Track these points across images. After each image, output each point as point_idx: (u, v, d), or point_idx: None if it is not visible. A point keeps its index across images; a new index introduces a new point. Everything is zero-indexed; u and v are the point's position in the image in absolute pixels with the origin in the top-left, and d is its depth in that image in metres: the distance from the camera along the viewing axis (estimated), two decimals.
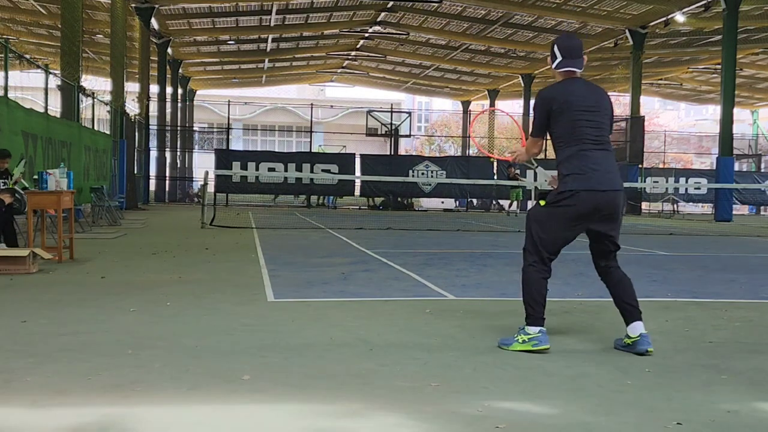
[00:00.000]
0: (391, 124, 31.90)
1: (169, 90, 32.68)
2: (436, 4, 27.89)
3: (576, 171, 4.21)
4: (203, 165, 24.17)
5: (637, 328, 4.27)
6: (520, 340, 4.22)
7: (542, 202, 4.35)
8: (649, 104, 54.66)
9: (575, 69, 4.33)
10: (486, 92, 43.50)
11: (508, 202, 26.00)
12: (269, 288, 6.52)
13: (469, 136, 46.12)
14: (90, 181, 16.80)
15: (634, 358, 4.16)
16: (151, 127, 27.84)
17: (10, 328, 4.59)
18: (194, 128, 42.31)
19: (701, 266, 9.26)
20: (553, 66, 4.36)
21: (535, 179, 26.45)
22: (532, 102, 40.74)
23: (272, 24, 31.15)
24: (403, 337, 4.57)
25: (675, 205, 29.59)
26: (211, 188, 23.54)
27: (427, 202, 30.42)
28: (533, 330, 4.21)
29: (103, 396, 3.23)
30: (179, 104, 35.71)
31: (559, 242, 4.32)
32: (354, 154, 28.40)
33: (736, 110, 24.76)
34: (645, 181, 28.68)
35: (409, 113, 36.14)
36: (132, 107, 25.48)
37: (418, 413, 3.08)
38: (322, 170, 27.15)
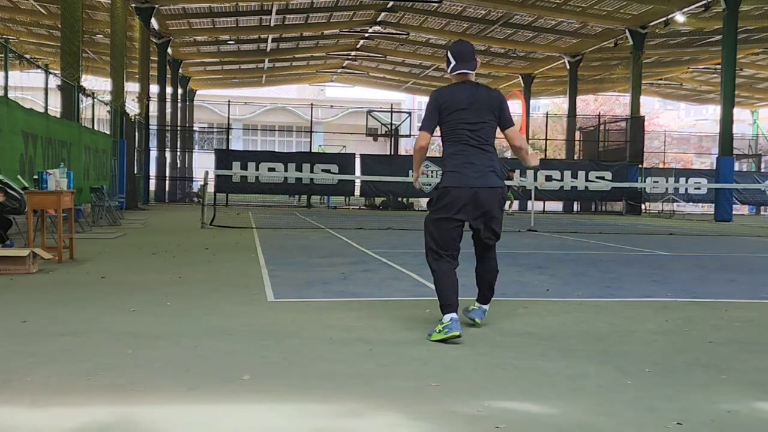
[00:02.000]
0: (391, 124, 31.90)
1: (169, 90, 32.69)
2: (436, 4, 27.90)
3: (451, 169, 4.65)
4: (203, 165, 24.17)
5: (479, 306, 4.98)
6: (437, 330, 4.42)
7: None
8: (649, 104, 54.65)
9: (467, 71, 4.70)
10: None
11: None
12: (269, 288, 6.52)
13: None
14: (90, 181, 16.81)
15: (634, 358, 4.16)
16: (151, 127, 27.84)
17: (10, 328, 4.59)
18: (194, 128, 42.32)
19: (701, 266, 9.26)
20: (449, 70, 4.73)
21: (535, 179, 26.53)
22: (532, 102, 40.80)
23: (272, 24, 31.16)
24: (403, 337, 4.57)
25: (674, 205, 29.59)
26: (211, 188, 23.54)
27: (427, 202, 30.39)
28: (446, 318, 4.44)
29: (103, 396, 3.22)
30: (179, 104, 35.72)
31: (448, 237, 4.73)
32: (354, 154, 28.39)
33: (736, 110, 24.77)
34: (645, 181, 28.69)
35: (409, 113, 36.14)
36: (132, 107, 25.48)
37: (418, 413, 3.08)
38: (322, 170, 27.15)
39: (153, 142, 29.22)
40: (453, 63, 4.70)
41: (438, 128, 4.74)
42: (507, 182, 23.80)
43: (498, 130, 4.74)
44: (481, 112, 4.62)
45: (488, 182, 4.62)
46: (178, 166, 34.30)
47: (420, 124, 4.77)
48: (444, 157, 4.74)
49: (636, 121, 29.20)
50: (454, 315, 4.44)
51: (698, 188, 31.05)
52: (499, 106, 4.70)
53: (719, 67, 25.62)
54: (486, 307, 5.01)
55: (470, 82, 4.72)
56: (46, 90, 14.71)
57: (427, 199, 29.57)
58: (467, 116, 4.60)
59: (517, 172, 28.34)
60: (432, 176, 28.06)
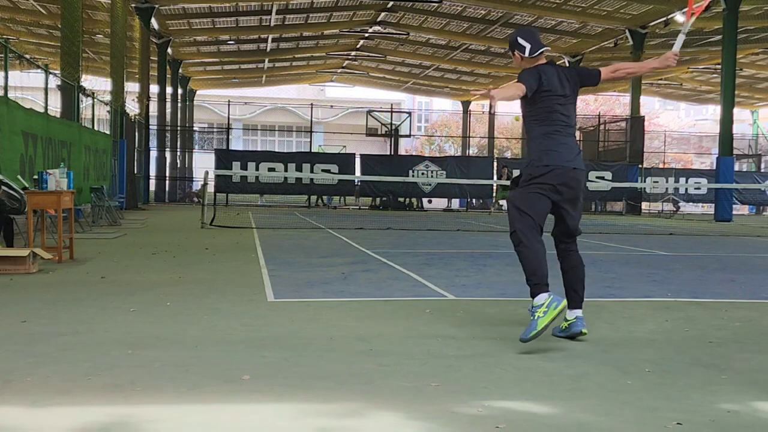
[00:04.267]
0: (391, 124, 31.91)
1: (169, 90, 32.68)
2: (436, 4, 27.89)
3: (548, 148, 4.52)
4: (203, 165, 24.17)
5: (573, 313, 4.53)
6: (539, 315, 4.14)
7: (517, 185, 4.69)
8: (649, 104, 54.63)
9: (546, 51, 4.60)
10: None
11: (501, 202, 26.38)
12: (269, 288, 6.52)
13: (469, 136, 46.20)
14: (90, 181, 16.80)
15: (634, 358, 4.16)
16: (151, 127, 27.83)
17: (10, 328, 4.59)
18: (194, 128, 42.31)
19: (701, 266, 9.26)
20: (527, 55, 4.55)
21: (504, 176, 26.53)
22: None
23: (272, 24, 31.16)
24: (403, 337, 4.57)
25: (675, 205, 29.58)
26: (211, 188, 23.54)
27: (427, 202, 30.42)
28: (543, 298, 4.20)
29: (103, 396, 3.23)
30: (179, 104, 35.72)
31: (539, 213, 4.51)
32: (354, 154, 28.39)
33: (736, 110, 24.77)
34: (645, 181, 28.69)
35: (409, 113, 36.14)
36: (132, 107, 25.48)
37: (418, 413, 3.08)
38: (322, 170, 27.16)
39: (153, 142, 29.22)
40: (529, 46, 4.55)
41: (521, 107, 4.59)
42: (505, 182, 24.04)
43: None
44: (569, 93, 4.55)
45: (581, 164, 4.56)
46: (178, 166, 34.29)
47: (520, 81, 4.46)
48: (532, 138, 4.56)
49: (636, 121, 29.20)
50: (549, 292, 4.23)
51: (698, 188, 31.04)
52: (576, 75, 4.63)
53: (719, 67, 25.62)
54: (581, 313, 4.57)
55: (551, 62, 4.62)
56: (46, 90, 14.71)
57: (426, 199, 29.60)
58: (562, 100, 4.51)
59: (516, 172, 28.38)
60: (432, 176, 28.12)
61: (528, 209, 4.45)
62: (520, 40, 4.56)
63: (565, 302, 4.24)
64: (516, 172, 24.94)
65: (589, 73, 4.70)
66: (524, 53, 4.55)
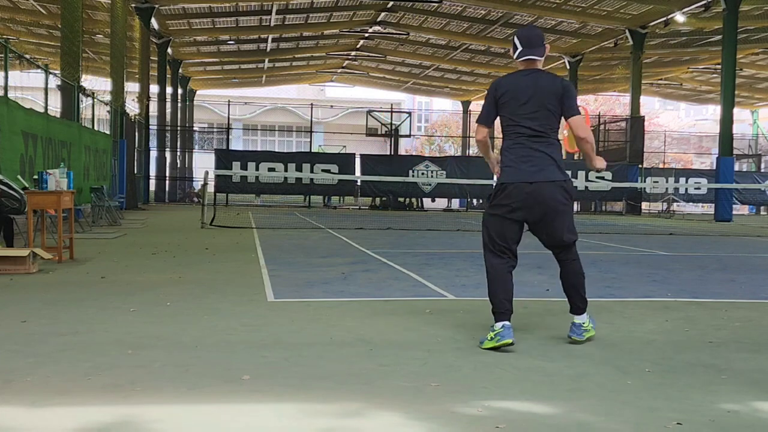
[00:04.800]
0: (391, 124, 31.90)
1: (169, 90, 32.68)
2: (436, 4, 27.89)
3: (506, 164, 4.41)
4: (203, 165, 24.16)
5: (572, 319, 4.52)
6: (489, 338, 4.24)
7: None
8: (649, 104, 54.64)
9: (534, 57, 4.41)
10: (486, 92, 43.46)
11: None
12: (269, 288, 6.52)
13: (469, 136, 46.19)
14: (90, 181, 16.80)
15: (634, 358, 4.16)
16: (151, 127, 27.83)
17: (10, 328, 4.59)
18: (194, 128, 42.30)
19: (701, 266, 9.26)
20: (515, 57, 4.47)
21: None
22: None
23: (272, 24, 31.16)
24: (403, 337, 4.57)
25: (673, 205, 29.57)
26: (211, 188, 23.54)
27: (428, 202, 30.42)
28: (497, 326, 4.25)
29: (103, 396, 3.23)
30: (179, 104, 35.71)
31: (503, 236, 4.45)
32: (354, 154, 28.39)
33: (736, 110, 24.76)
34: (645, 181, 28.69)
35: (409, 113, 36.13)
36: (132, 107, 25.47)
37: (418, 413, 3.08)
38: (322, 170, 27.16)
39: (153, 142, 29.21)
40: (519, 48, 4.41)
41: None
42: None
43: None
44: (543, 100, 4.31)
45: (548, 175, 4.30)
46: (178, 166, 34.29)
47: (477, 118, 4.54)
48: (501, 152, 4.47)
49: (636, 121, 29.19)
50: (506, 323, 4.23)
51: (698, 188, 31.03)
52: (563, 92, 4.35)
53: (719, 67, 25.61)
54: (580, 319, 4.49)
55: (536, 70, 4.42)
56: (46, 90, 14.70)
57: (427, 199, 29.60)
58: (527, 109, 4.32)
59: None
60: (432, 176, 28.11)
61: (490, 230, 4.47)
62: (516, 40, 4.45)
63: (509, 341, 4.19)
64: None
65: (569, 105, 4.36)
66: (514, 54, 4.49)
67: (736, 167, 30.10)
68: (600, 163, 4.56)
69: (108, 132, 20.42)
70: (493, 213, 4.46)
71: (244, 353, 4.06)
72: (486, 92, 4.48)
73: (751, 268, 9.32)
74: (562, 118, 4.41)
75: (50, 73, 15.34)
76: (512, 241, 4.46)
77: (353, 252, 10.10)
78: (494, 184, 4.49)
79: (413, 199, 28.91)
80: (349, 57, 40.96)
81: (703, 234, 16.47)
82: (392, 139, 31.60)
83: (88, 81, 19.85)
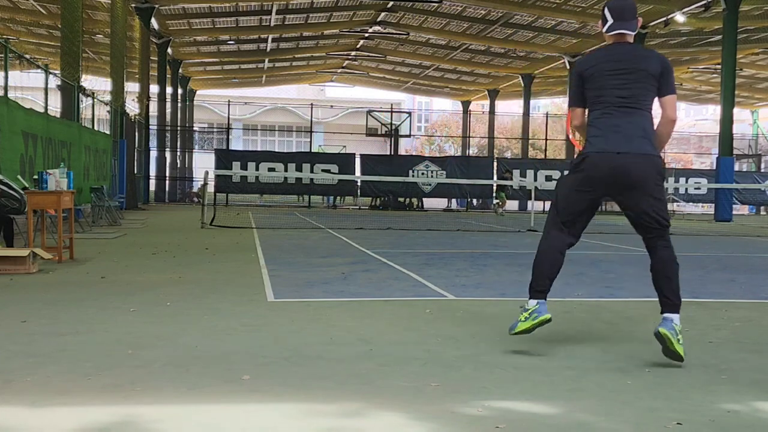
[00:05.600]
0: (391, 124, 31.91)
1: (169, 90, 32.68)
2: (436, 4, 27.89)
3: (593, 134, 4.05)
4: (203, 165, 24.17)
5: (662, 317, 4.00)
6: (522, 319, 4.07)
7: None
8: None
9: (626, 31, 4.09)
10: (486, 92, 43.51)
11: (496, 201, 26.56)
12: (269, 288, 6.52)
13: (469, 136, 46.22)
14: (90, 181, 16.80)
15: (634, 358, 4.16)
16: (151, 127, 27.83)
17: (10, 328, 4.59)
18: (194, 128, 42.30)
19: (701, 266, 9.26)
20: (604, 30, 4.16)
21: (535, 179, 26.55)
22: (532, 102, 40.78)
23: (272, 24, 31.16)
24: (403, 337, 4.57)
25: (674, 205, 29.58)
26: (211, 188, 23.54)
27: (428, 202, 30.41)
28: (531, 303, 4.09)
29: (104, 396, 3.23)
30: (179, 104, 35.71)
31: (575, 210, 4.12)
32: (354, 154, 28.40)
33: (736, 110, 24.76)
34: None
35: (409, 113, 36.13)
36: (132, 107, 25.47)
37: (418, 413, 3.08)
38: (322, 170, 27.16)
39: (153, 142, 29.21)
40: (610, 21, 4.09)
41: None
42: (504, 182, 24.12)
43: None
44: (639, 72, 4.01)
45: (640, 147, 3.96)
46: (178, 166, 34.29)
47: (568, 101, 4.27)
48: (587, 126, 4.15)
49: None
50: (541, 300, 4.05)
51: (698, 188, 31.03)
52: (663, 69, 4.07)
53: (719, 67, 25.61)
54: (673, 317, 3.94)
55: (629, 43, 4.13)
56: (46, 90, 14.70)
57: (427, 199, 29.60)
58: (619, 80, 4.02)
59: (516, 172, 28.41)
60: (432, 176, 28.12)
61: (558, 199, 4.19)
62: (606, 12, 4.12)
63: (547, 317, 3.99)
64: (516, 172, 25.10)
65: (666, 81, 4.12)
66: (603, 27, 4.17)
67: (736, 167, 30.09)
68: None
69: (108, 132, 20.42)
70: (567, 182, 4.15)
71: (244, 353, 4.06)
72: (569, 76, 4.36)
73: (751, 268, 9.32)
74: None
75: (50, 73, 15.34)
76: (578, 217, 4.13)
77: (353, 252, 10.10)
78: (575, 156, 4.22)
79: (413, 199, 28.91)
80: (349, 57, 40.96)
81: (703, 234, 16.47)
82: (392, 139, 31.60)
83: (88, 81, 19.85)
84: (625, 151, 3.94)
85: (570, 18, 27.67)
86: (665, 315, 3.98)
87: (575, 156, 4.24)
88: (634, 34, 4.13)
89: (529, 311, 4.06)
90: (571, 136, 5.28)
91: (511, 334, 4.15)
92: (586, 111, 4.20)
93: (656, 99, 4.13)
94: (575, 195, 4.11)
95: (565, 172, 4.40)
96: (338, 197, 30.47)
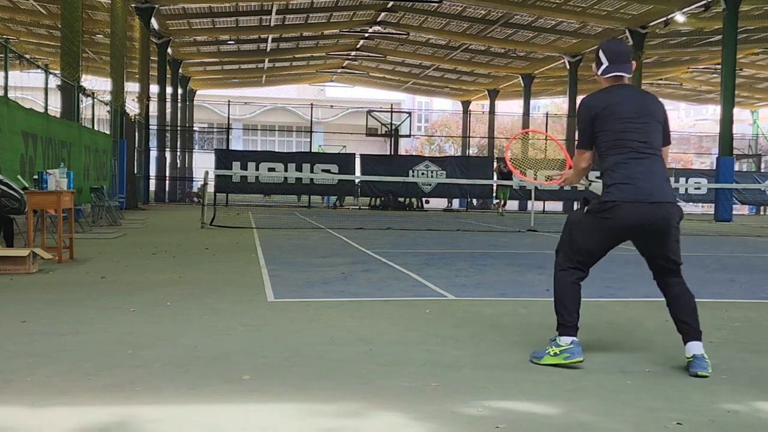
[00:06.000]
0: (391, 124, 31.90)
1: (169, 90, 32.68)
2: (436, 4, 27.89)
3: (620, 181, 3.93)
4: (203, 165, 24.17)
5: (691, 349, 3.92)
6: (551, 353, 3.90)
7: (585, 209, 4.13)
8: None
9: (623, 74, 4.07)
10: (486, 92, 43.51)
11: (496, 200, 26.51)
12: (269, 288, 6.52)
13: (469, 136, 46.22)
14: (90, 181, 16.80)
15: (634, 358, 4.16)
16: (151, 127, 27.83)
17: (10, 328, 4.59)
18: (194, 128, 42.30)
19: (701, 266, 9.25)
20: (599, 72, 4.13)
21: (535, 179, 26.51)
22: (532, 102, 40.79)
23: (272, 24, 31.16)
24: (403, 337, 4.57)
25: None
26: (211, 188, 23.54)
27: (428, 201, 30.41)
28: (565, 341, 3.90)
29: (104, 396, 3.23)
30: (179, 104, 35.71)
31: (594, 252, 4.08)
32: (354, 154, 28.40)
33: (736, 110, 24.76)
34: None
35: (409, 113, 36.11)
36: (132, 107, 25.47)
37: (418, 413, 3.08)
38: (322, 170, 27.16)
39: (153, 142, 29.21)
40: (605, 64, 4.07)
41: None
42: (506, 181, 24.10)
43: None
44: (650, 117, 4.00)
45: (667, 195, 3.96)
46: (178, 166, 34.29)
47: (576, 143, 4.13)
48: (606, 169, 4.02)
49: None
50: (575, 338, 3.91)
51: (698, 188, 31.03)
52: (665, 116, 4.11)
53: (719, 67, 25.61)
54: (699, 349, 3.90)
55: (632, 86, 4.16)
56: (46, 90, 14.70)
57: (426, 198, 29.57)
58: (637, 123, 3.96)
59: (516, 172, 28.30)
60: (432, 176, 28.11)
61: (580, 242, 4.05)
62: (601, 55, 4.12)
63: (580, 359, 3.88)
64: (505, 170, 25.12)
65: (666, 131, 4.15)
66: (597, 70, 4.15)
67: (736, 167, 30.10)
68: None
69: (108, 132, 20.42)
70: (587, 225, 4.03)
71: (244, 353, 4.06)
72: (577, 116, 4.14)
73: (751, 268, 9.32)
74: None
75: (50, 73, 15.34)
76: (597, 259, 4.11)
77: (353, 252, 10.10)
78: (593, 198, 4.08)
79: (413, 199, 28.91)
80: (349, 57, 40.96)
81: (703, 234, 16.46)
82: (392, 139, 31.59)
83: (88, 81, 19.85)
84: (657, 201, 3.91)
85: (570, 18, 27.67)
86: (695, 350, 3.91)
87: (585, 200, 4.20)
88: (629, 77, 4.11)
89: (562, 348, 3.89)
90: (509, 164, 5.21)
91: (533, 362, 3.97)
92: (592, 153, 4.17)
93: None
94: (597, 239, 4.04)
95: (575, 207, 4.31)
96: (339, 198, 30.47)
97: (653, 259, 4.07)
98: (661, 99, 4.53)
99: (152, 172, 28.87)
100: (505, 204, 25.62)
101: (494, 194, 28.65)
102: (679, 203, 4.07)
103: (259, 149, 49.03)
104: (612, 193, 3.93)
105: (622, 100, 4.00)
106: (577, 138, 4.14)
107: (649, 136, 3.99)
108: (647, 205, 3.89)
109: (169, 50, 31.83)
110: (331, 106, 52.86)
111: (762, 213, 35.11)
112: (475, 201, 30.75)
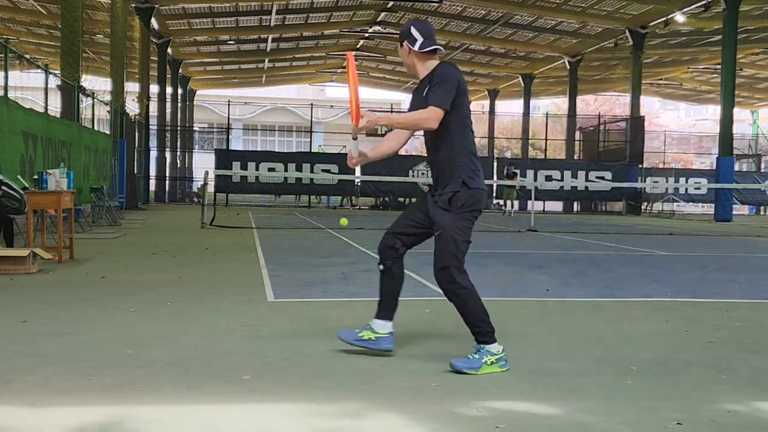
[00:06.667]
0: None
1: (169, 90, 32.70)
2: (436, 4, 27.91)
3: (478, 170, 4.00)
4: (203, 165, 24.17)
5: (387, 327, 4.08)
6: (488, 362, 3.74)
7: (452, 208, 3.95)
8: (649, 104, 54.60)
9: (439, 48, 4.06)
10: (486, 92, 43.52)
11: (502, 201, 26.47)
12: (269, 288, 6.52)
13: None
14: (90, 181, 16.80)
15: (634, 358, 4.16)
16: (151, 127, 27.84)
17: (10, 328, 4.59)
18: (194, 128, 42.30)
19: (701, 266, 9.26)
20: (416, 48, 4.01)
21: (535, 179, 26.53)
22: (532, 102, 40.79)
23: (272, 24, 31.17)
24: (403, 337, 4.57)
25: (674, 205, 29.58)
26: (211, 188, 23.55)
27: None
28: (496, 348, 3.80)
29: (103, 396, 3.23)
30: (179, 104, 35.72)
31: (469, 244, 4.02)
32: None
33: (736, 110, 24.77)
34: (645, 181, 28.70)
35: None
36: (132, 107, 25.48)
37: (418, 413, 3.08)
38: (322, 170, 27.16)
39: (153, 142, 29.22)
40: (421, 39, 4.01)
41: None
42: (510, 182, 24.09)
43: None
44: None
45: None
46: (178, 166, 34.30)
47: (436, 100, 3.88)
48: (463, 151, 3.95)
49: (636, 121, 29.20)
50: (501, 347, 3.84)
51: (698, 188, 31.04)
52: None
53: (719, 67, 25.62)
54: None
55: (449, 63, 4.12)
56: (46, 90, 14.71)
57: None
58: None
59: (517, 172, 28.38)
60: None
61: (467, 241, 3.93)
62: (413, 32, 4.03)
63: (508, 369, 3.79)
64: (515, 171, 25.12)
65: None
66: (413, 46, 4.02)
67: (736, 167, 30.10)
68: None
69: (108, 132, 20.42)
70: (471, 220, 3.96)
71: (244, 353, 4.06)
72: (446, 75, 3.96)
73: (751, 268, 9.32)
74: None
75: (50, 73, 15.34)
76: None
77: (353, 252, 10.10)
78: (461, 187, 3.93)
79: (413, 199, 28.88)
80: None
81: (703, 234, 16.47)
82: None
83: (88, 81, 19.86)
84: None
85: (570, 18, 27.69)
86: (390, 328, 4.08)
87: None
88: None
89: (497, 357, 3.77)
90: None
91: (460, 371, 3.71)
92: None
93: None
94: (470, 231, 4.04)
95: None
96: (346, 197, 30.35)
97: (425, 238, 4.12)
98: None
99: (152, 172, 28.88)
100: (511, 205, 25.64)
101: (494, 194, 28.61)
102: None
103: (259, 149, 48.97)
104: (477, 180, 3.94)
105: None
106: (438, 95, 3.90)
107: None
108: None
109: (169, 50, 31.84)
110: (331, 106, 52.82)
111: (762, 213, 35.12)
112: None
